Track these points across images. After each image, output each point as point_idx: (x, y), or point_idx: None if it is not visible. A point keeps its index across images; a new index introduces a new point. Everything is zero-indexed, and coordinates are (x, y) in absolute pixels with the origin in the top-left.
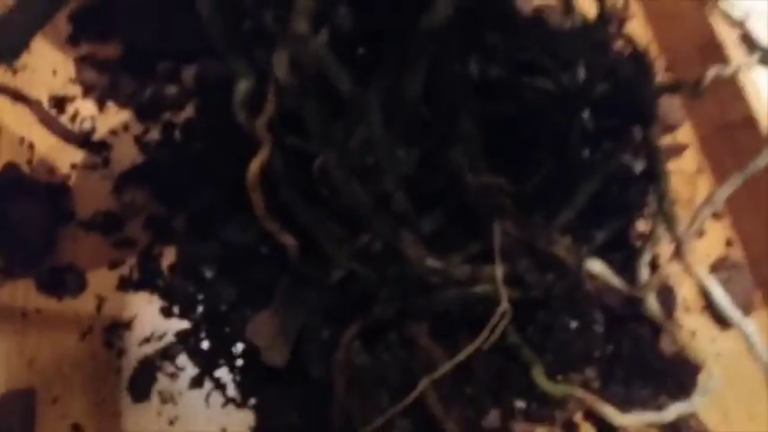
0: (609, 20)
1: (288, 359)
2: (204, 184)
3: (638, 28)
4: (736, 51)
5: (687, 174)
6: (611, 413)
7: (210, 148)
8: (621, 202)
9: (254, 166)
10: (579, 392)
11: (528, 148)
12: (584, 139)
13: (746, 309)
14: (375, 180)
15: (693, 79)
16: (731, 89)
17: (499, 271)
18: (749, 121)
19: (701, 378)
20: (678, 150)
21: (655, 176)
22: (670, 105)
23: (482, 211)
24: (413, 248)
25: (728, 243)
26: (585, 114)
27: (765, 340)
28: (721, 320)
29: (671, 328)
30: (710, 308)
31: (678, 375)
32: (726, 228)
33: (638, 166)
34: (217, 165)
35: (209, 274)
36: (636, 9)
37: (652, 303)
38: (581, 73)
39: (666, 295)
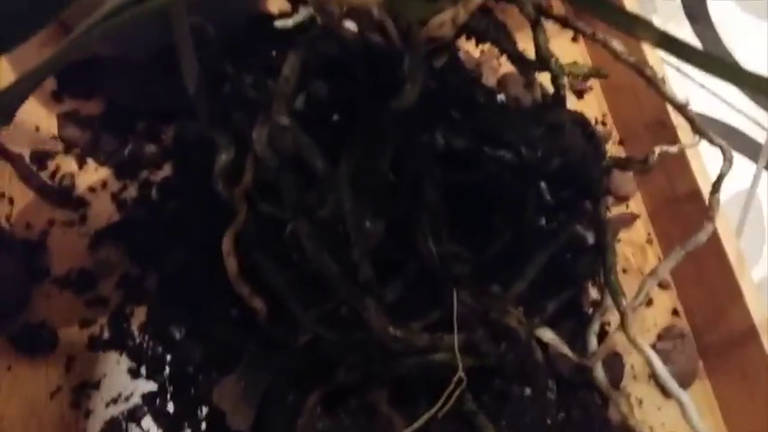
0: (563, 101)
1: (252, 423)
2: (177, 244)
3: (595, 101)
4: (682, 128)
5: (638, 244)
6: None
7: (185, 208)
8: (574, 272)
9: (230, 232)
10: None
11: (486, 219)
12: (541, 209)
13: (690, 378)
14: (343, 250)
15: (642, 155)
16: (679, 163)
17: (456, 340)
18: (694, 194)
19: None
20: (629, 221)
21: (602, 249)
22: (623, 177)
23: (441, 280)
24: (376, 317)
25: (675, 312)
26: (542, 186)
27: (708, 408)
28: (666, 389)
29: (615, 398)
30: (656, 376)
31: None
32: (673, 297)
33: (591, 237)
34: (190, 225)
35: (177, 335)
36: (594, 82)
37: (599, 372)
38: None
39: (615, 363)
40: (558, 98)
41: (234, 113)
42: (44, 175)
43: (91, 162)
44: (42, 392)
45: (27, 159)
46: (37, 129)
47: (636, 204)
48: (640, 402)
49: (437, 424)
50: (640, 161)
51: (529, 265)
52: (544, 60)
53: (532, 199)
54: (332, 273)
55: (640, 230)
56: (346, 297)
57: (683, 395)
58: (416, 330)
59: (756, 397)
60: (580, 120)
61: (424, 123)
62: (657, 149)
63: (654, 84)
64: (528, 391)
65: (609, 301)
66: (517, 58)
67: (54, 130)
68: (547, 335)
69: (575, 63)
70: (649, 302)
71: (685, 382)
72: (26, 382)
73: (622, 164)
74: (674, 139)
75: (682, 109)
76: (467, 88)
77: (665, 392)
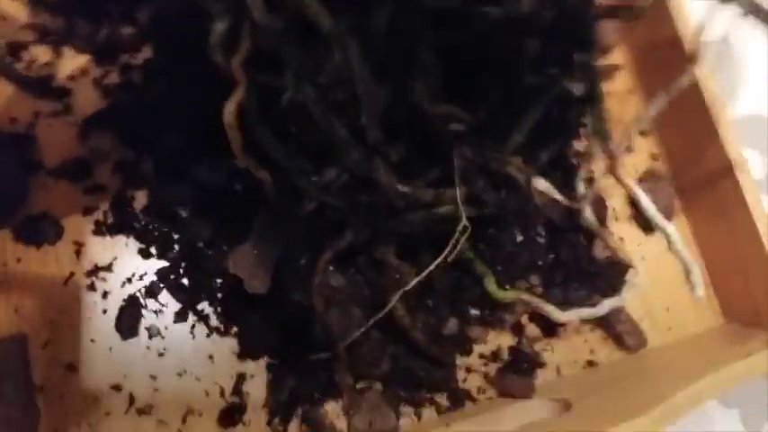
0: None
1: (269, 286)
2: (168, 125)
3: None
4: None
5: (620, 94)
6: (552, 311)
7: (172, 89)
8: (562, 124)
9: (231, 105)
10: (525, 297)
11: (479, 77)
12: (531, 65)
13: (668, 214)
14: (350, 113)
15: (628, 3)
16: (660, 12)
17: (459, 192)
18: (675, 41)
19: (628, 277)
20: (612, 71)
21: (592, 98)
22: (606, 28)
23: (441, 138)
24: (386, 176)
25: (654, 157)
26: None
27: (685, 242)
28: (646, 227)
29: (604, 236)
30: (637, 216)
31: (608, 277)
32: (652, 143)
33: (577, 90)
34: (179, 105)
35: (183, 213)
36: None
37: (588, 214)
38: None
39: (599, 206)
40: None
41: None
42: (21, 67)
43: (67, 49)
44: (56, 280)
45: (1, 51)
46: (4, 19)
47: (618, 55)
48: (621, 239)
49: (439, 272)
50: (628, 9)
51: (525, 118)
52: None
53: (525, 54)
54: (340, 136)
55: (622, 81)
56: (355, 159)
57: (668, 226)
58: (422, 186)
59: (731, 230)
60: None
61: None
62: None
63: None
64: (520, 237)
65: (594, 149)
66: None
67: (24, 18)
68: (540, 184)
69: None
70: (630, 149)
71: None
72: (38, 272)
73: (610, 13)
74: None
75: None
76: None
77: (645, 230)
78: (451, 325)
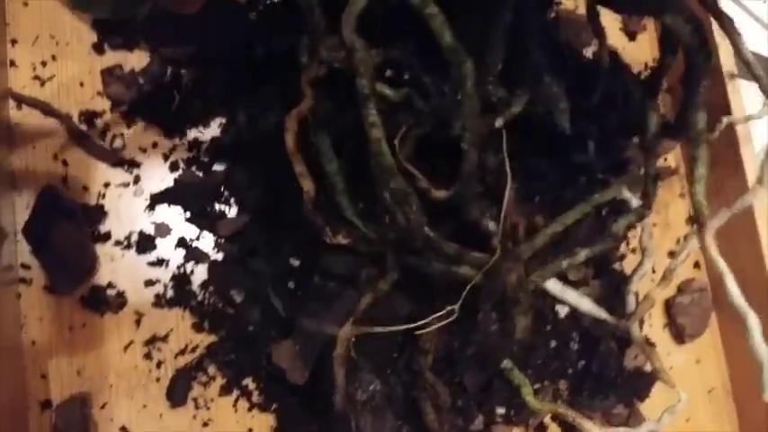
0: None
1: (307, 378)
2: (231, 206)
3: (647, 44)
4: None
5: (670, 198)
6: (590, 429)
7: (238, 171)
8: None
9: (294, 113)
10: (562, 409)
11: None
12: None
13: (701, 328)
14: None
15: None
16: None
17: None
18: (736, 158)
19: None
20: (666, 174)
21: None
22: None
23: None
24: (416, 214)
25: (696, 265)
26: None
27: (714, 356)
28: (678, 337)
29: (650, 353)
30: (670, 325)
31: (635, 387)
32: (696, 251)
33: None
34: (243, 188)
35: (237, 298)
36: (648, 22)
37: (635, 330)
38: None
39: None
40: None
41: None
42: (94, 134)
43: (138, 120)
44: (116, 346)
45: (75, 119)
46: (81, 85)
47: (674, 158)
48: (653, 347)
49: (471, 374)
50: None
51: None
52: None
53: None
54: (386, 162)
55: (674, 185)
56: (393, 188)
57: (752, 317)
58: (446, 239)
59: None
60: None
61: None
62: (725, 119)
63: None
64: (554, 343)
65: (647, 264)
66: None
67: (98, 85)
68: (585, 305)
69: None
70: (671, 254)
71: (696, 333)
72: (100, 337)
73: (673, 133)
74: (724, 96)
75: (749, 65)
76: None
77: (677, 340)
78: (478, 423)
